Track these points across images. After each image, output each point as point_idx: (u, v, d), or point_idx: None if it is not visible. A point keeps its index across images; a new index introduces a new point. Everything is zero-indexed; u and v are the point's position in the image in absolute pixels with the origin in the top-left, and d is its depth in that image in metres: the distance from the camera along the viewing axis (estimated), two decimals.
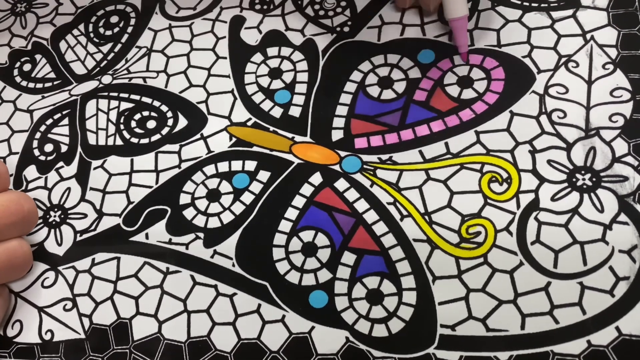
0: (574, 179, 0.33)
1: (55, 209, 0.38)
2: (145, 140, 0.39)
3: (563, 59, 0.36)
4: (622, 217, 0.31)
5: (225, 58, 0.41)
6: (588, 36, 0.36)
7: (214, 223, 0.36)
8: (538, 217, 0.32)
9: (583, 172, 0.33)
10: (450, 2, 0.36)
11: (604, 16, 0.37)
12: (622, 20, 0.36)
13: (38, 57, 0.43)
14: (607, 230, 0.31)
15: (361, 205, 0.34)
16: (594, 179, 0.32)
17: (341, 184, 0.35)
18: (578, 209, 0.32)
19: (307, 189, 0.35)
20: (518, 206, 0.33)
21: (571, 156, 0.33)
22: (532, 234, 0.32)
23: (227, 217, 0.36)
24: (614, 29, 0.36)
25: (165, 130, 0.39)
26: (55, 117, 0.41)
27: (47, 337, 0.34)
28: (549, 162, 0.33)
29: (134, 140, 0.39)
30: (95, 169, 0.39)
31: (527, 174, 0.33)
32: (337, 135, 0.37)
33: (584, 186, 0.32)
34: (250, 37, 0.42)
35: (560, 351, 0.29)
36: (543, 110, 0.35)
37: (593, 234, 0.31)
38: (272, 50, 0.41)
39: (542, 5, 0.38)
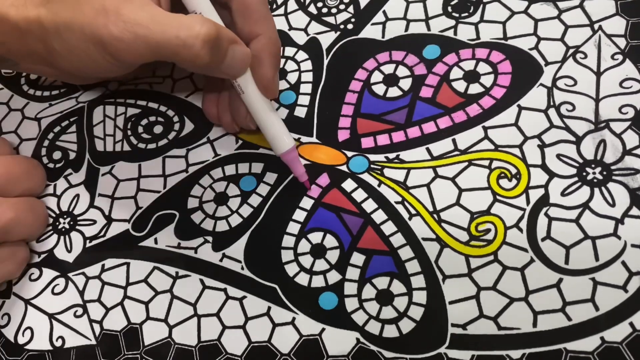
0: (584, 173, 0.32)
1: (65, 216, 0.38)
2: (152, 145, 0.39)
3: (571, 51, 0.35)
4: (634, 211, 0.31)
5: None
6: (596, 26, 0.36)
7: (222, 226, 0.36)
8: (548, 212, 0.32)
9: (593, 165, 0.32)
10: (275, 138, 0.34)
11: (612, 5, 0.36)
12: (631, 9, 0.36)
13: None
14: (618, 225, 0.31)
15: (369, 205, 0.34)
16: (604, 173, 0.32)
17: (349, 185, 0.35)
18: (589, 203, 0.31)
19: (314, 190, 0.35)
20: (528, 202, 0.32)
21: (581, 150, 0.33)
22: (542, 230, 0.31)
23: (235, 220, 0.36)
24: (623, 18, 0.35)
25: (172, 135, 0.39)
26: (63, 124, 0.41)
27: (58, 343, 0.35)
28: (558, 156, 0.33)
29: (142, 145, 0.39)
30: (103, 175, 0.39)
31: (536, 169, 0.33)
32: (343, 135, 0.37)
33: (595, 180, 0.32)
34: None
35: (574, 348, 0.29)
36: (551, 104, 0.34)
37: (605, 229, 0.31)
38: None
39: None
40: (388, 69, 0.38)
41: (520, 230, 0.32)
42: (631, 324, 0.29)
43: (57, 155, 0.40)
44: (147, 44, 0.29)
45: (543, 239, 0.31)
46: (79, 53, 0.31)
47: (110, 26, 0.29)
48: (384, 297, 0.32)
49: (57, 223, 0.38)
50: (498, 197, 0.33)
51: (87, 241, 0.37)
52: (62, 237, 0.37)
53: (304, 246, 0.34)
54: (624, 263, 0.30)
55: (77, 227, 0.38)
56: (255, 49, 0.33)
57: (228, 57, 0.31)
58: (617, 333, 0.29)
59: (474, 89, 0.36)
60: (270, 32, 0.34)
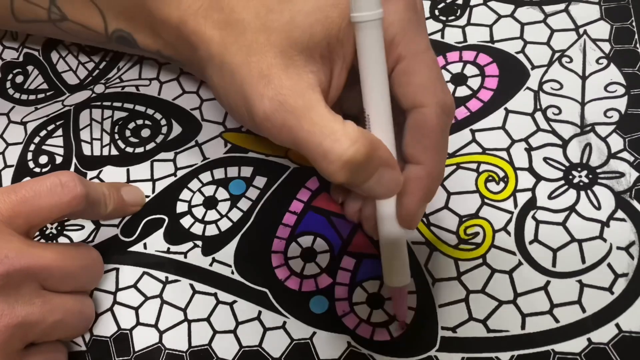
0: (571, 177, 0.33)
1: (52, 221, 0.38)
2: (140, 149, 0.39)
3: (557, 54, 0.36)
4: (619, 214, 0.31)
5: None
6: (581, 30, 0.36)
7: (211, 231, 0.36)
8: (536, 215, 0.32)
9: (579, 169, 0.33)
10: (395, 271, 0.29)
11: (596, 10, 0.37)
12: (615, 14, 0.36)
13: (30, 68, 0.43)
14: (604, 228, 0.31)
15: None
16: (590, 176, 0.32)
17: None
18: (575, 206, 0.32)
19: (304, 194, 0.35)
20: (515, 205, 0.33)
21: (567, 153, 0.33)
22: (530, 233, 0.32)
23: (224, 224, 0.36)
24: (607, 22, 0.36)
25: (159, 138, 0.39)
26: (49, 128, 0.41)
27: None
28: (545, 159, 0.33)
29: (129, 149, 0.39)
30: (91, 179, 0.38)
31: (523, 172, 0.33)
32: None
33: (581, 183, 0.32)
34: None
35: (561, 350, 0.29)
36: (538, 107, 0.35)
37: (591, 232, 0.31)
38: None
39: None
40: None
41: (508, 233, 0.32)
42: (617, 325, 0.29)
43: (43, 159, 0.40)
44: (291, 136, 0.26)
45: (531, 242, 0.32)
46: (230, 100, 0.29)
47: (265, 99, 0.26)
48: (375, 301, 0.32)
49: (45, 229, 0.38)
50: (486, 201, 0.33)
51: None
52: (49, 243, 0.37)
53: (294, 250, 0.34)
54: (609, 265, 0.31)
55: (65, 232, 0.37)
56: (410, 176, 0.28)
57: (373, 179, 0.26)
58: (604, 334, 0.29)
59: (462, 91, 0.36)
60: (434, 165, 0.28)
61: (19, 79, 0.43)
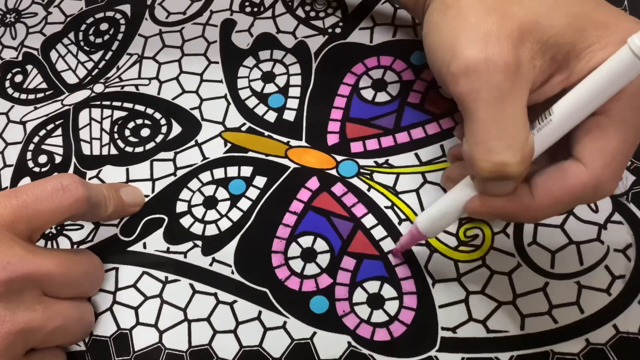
0: None
1: None
2: (139, 149, 0.39)
3: None
4: (617, 217, 0.32)
5: (217, 63, 0.41)
6: None
7: (211, 230, 0.36)
8: None
9: None
10: (434, 217, 0.29)
11: None
12: None
13: (29, 67, 0.43)
14: (602, 230, 0.32)
15: (359, 210, 0.35)
16: None
17: (338, 189, 0.35)
18: (573, 209, 0.32)
19: (304, 194, 0.36)
20: None
21: None
22: (528, 236, 0.32)
23: (224, 224, 0.36)
24: None
25: (159, 138, 0.39)
26: (49, 127, 0.41)
27: None
28: None
29: (129, 149, 0.39)
30: (90, 179, 0.38)
31: None
32: (332, 139, 0.37)
33: None
34: (242, 40, 0.42)
35: (560, 350, 0.30)
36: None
37: (588, 234, 0.32)
38: (264, 54, 0.41)
39: None
40: (376, 74, 0.38)
41: (507, 235, 0.32)
42: (614, 326, 0.30)
43: (42, 159, 0.40)
44: (471, 105, 0.25)
45: (529, 244, 0.32)
46: (436, 37, 0.27)
47: (475, 52, 0.25)
48: (375, 301, 0.32)
49: None
50: None
51: (75, 246, 0.37)
52: (49, 243, 0.37)
53: (294, 250, 0.34)
54: (607, 267, 0.31)
55: (65, 232, 0.37)
56: (538, 184, 0.26)
57: (498, 183, 0.26)
58: (602, 335, 0.30)
59: None
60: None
61: (18, 78, 0.43)
